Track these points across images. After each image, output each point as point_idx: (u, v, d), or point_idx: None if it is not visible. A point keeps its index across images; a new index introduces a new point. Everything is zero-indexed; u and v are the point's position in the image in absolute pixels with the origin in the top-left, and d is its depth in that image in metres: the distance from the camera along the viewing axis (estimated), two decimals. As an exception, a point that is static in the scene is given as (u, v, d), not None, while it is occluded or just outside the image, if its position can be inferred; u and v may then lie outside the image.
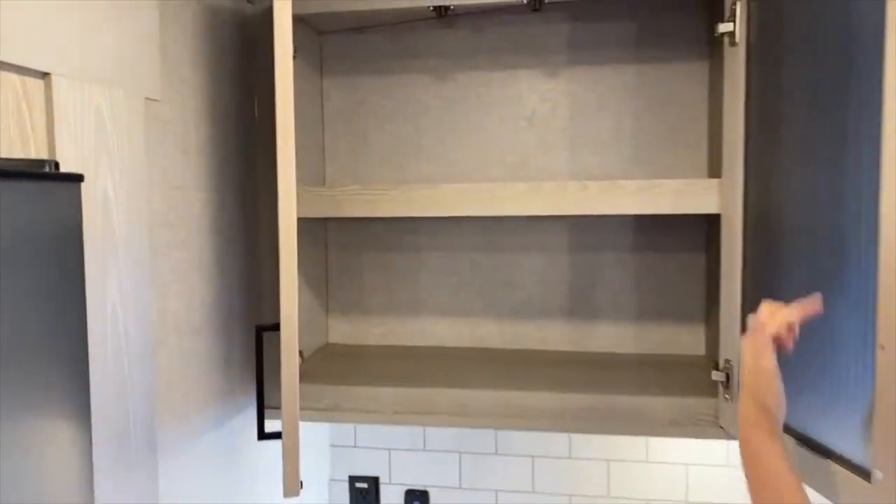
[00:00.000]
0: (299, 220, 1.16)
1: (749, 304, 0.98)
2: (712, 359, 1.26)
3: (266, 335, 1.05)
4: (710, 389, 1.07)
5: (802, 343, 0.84)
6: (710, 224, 1.29)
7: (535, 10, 1.13)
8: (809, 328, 0.83)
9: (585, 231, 1.35)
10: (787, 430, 0.85)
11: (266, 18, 1.14)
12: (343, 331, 1.44)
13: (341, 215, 1.13)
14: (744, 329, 1.00)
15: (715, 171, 1.23)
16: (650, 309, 1.34)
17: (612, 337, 1.36)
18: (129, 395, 0.75)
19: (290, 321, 0.85)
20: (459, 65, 1.36)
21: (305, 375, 1.17)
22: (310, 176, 1.33)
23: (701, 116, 1.29)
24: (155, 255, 0.89)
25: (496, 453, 1.47)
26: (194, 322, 1.00)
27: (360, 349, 1.40)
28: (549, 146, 1.34)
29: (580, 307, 1.36)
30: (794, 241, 0.88)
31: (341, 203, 1.13)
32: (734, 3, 0.97)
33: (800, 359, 0.85)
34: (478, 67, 1.36)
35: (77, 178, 0.52)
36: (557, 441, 1.44)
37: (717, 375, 1.04)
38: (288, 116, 0.82)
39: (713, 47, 1.25)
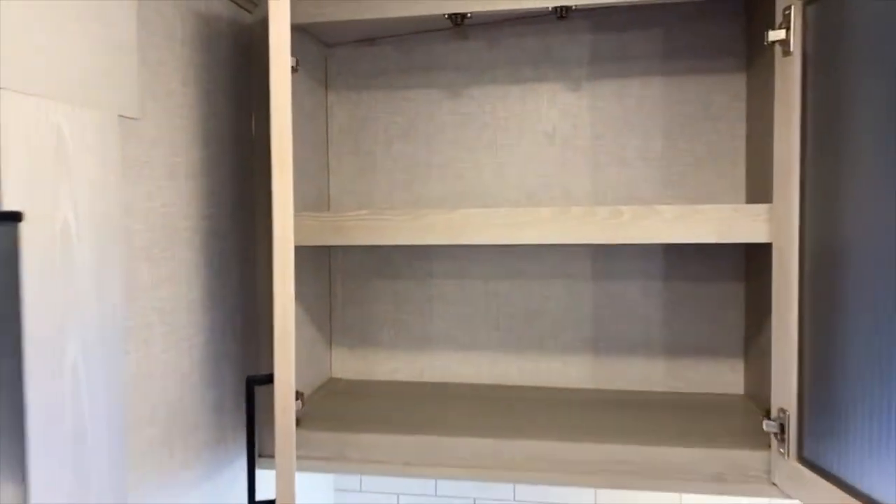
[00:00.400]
0: (301, 247, 1.06)
1: (806, 347, 0.87)
2: (752, 398, 1.15)
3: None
4: (759, 438, 0.95)
5: (883, 406, 0.73)
6: (749, 250, 1.18)
7: (560, 17, 1.02)
8: (889, 382, 0.72)
9: (612, 258, 1.24)
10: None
11: (266, 28, 1.04)
12: (349, 365, 1.33)
13: (346, 243, 1.03)
14: (801, 374, 0.89)
15: (755, 194, 1.12)
16: (683, 343, 1.23)
17: (641, 374, 1.24)
18: (91, 467, 0.64)
19: (284, 383, 0.74)
20: (475, 79, 1.27)
21: (306, 419, 1.07)
22: (312, 199, 1.23)
23: (738, 134, 1.19)
24: (134, 295, 0.79)
25: (514, 500, 1.34)
26: (182, 368, 0.90)
27: (366, 386, 1.29)
28: (572, 166, 1.24)
29: (606, 341, 1.25)
30: (864, 275, 0.77)
31: (346, 229, 1.03)
32: (787, 9, 0.87)
33: (881, 421, 0.73)
34: (494, 81, 1.26)
35: (12, 217, 0.42)
36: (582, 490, 1.31)
37: (769, 426, 0.92)
38: (285, 135, 0.72)
39: (752, 57, 1.14)
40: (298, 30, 1.12)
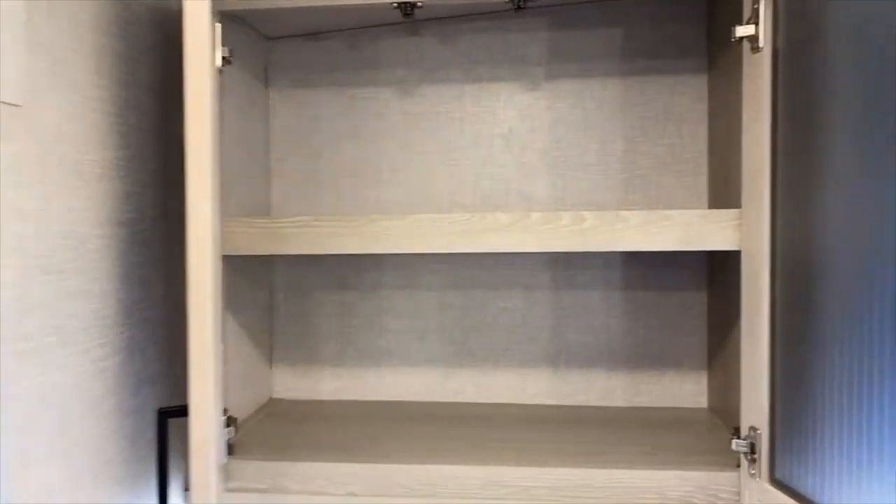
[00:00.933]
0: (236, 257, 0.96)
1: (777, 361, 0.82)
2: (716, 412, 1.11)
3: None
4: (726, 457, 0.89)
5: (859, 425, 0.68)
6: (711, 258, 1.14)
7: (518, 8, 0.96)
8: (865, 399, 0.67)
9: (571, 266, 1.18)
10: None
11: (193, 14, 0.94)
12: (290, 384, 1.23)
13: (283, 252, 0.93)
14: (772, 390, 0.83)
15: (718, 198, 1.08)
16: (645, 355, 1.17)
17: (602, 387, 1.18)
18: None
19: (203, 419, 0.64)
20: (427, 77, 1.19)
21: (240, 447, 0.96)
22: (252, 204, 1.13)
23: (700, 137, 1.14)
24: (28, 312, 0.68)
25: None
26: (92, 394, 0.79)
27: (309, 406, 1.19)
28: (529, 170, 1.18)
29: (566, 354, 1.19)
30: (839, 283, 0.72)
31: (284, 237, 0.93)
32: (756, 2, 0.82)
33: (857, 440, 0.68)
34: (448, 80, 1.19)
35: None
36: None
37: (738, 445, 0.86)
38: (202, 125, 0.63)
39: (714, 58, 1.10)
40: (233, 18, 1.03)
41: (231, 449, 0.93)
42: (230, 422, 0.92)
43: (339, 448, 0.97)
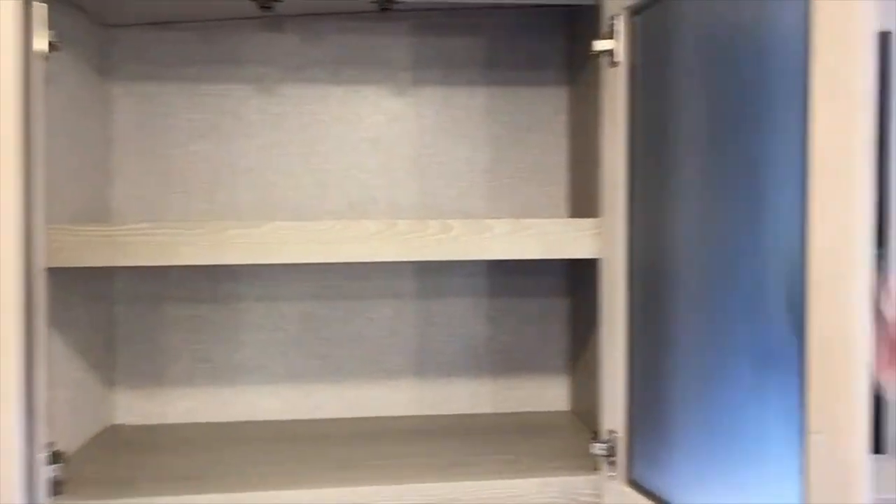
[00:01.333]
0: (67, 269, 0.85)
1: (635, 366, 0.84)
2: (578, 415, 1.14)
3: None
4: (589, 460, 0.91)
5: (704, 427, 0.71)
6: (573, 265, 1.17)
7: (384, 9, 0.93)
8: (707, 403, 0.71)
9: (438, 274, 1.17)
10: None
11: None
12: (135, 408, 1.11)
13: (121, 263, 0.83)
14: (630, 394, 0.86)
15: (579, 208, 1.11)
16: (509, 361, 1.19)
17: (468, 395, 1.18)
18: None
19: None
20: (290, 76, 1.13)
21: (70, 484, 0.84)
22: (88, 209, 1.01)
23: (562, 148, 1.17)
24: None
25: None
26: None
27: (156, 431, 1.08)
28: (397, 176, 1.15)
29: (433, 362, 1.17)
30: (685, 291, 0.76)
31: (122, 247, 0.83)
32: (613, 18, 0.84)
33: (703, 442, 0.72)
34: (312, 80, 1.13)
35: None
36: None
37: (597, 449, 0.88)
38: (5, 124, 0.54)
39: (573, 70, 1.14)
40: (62, 0, 0.91)
41: (58, 488, 0.81)
42: (56, 457, 0.81)
43: (189, 478, 0.88)
